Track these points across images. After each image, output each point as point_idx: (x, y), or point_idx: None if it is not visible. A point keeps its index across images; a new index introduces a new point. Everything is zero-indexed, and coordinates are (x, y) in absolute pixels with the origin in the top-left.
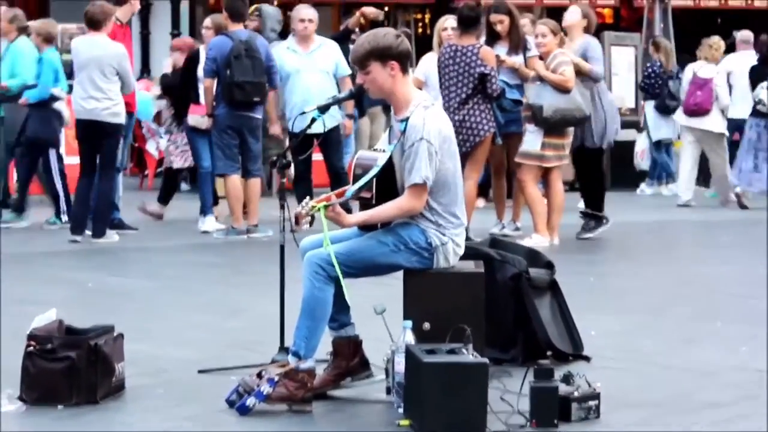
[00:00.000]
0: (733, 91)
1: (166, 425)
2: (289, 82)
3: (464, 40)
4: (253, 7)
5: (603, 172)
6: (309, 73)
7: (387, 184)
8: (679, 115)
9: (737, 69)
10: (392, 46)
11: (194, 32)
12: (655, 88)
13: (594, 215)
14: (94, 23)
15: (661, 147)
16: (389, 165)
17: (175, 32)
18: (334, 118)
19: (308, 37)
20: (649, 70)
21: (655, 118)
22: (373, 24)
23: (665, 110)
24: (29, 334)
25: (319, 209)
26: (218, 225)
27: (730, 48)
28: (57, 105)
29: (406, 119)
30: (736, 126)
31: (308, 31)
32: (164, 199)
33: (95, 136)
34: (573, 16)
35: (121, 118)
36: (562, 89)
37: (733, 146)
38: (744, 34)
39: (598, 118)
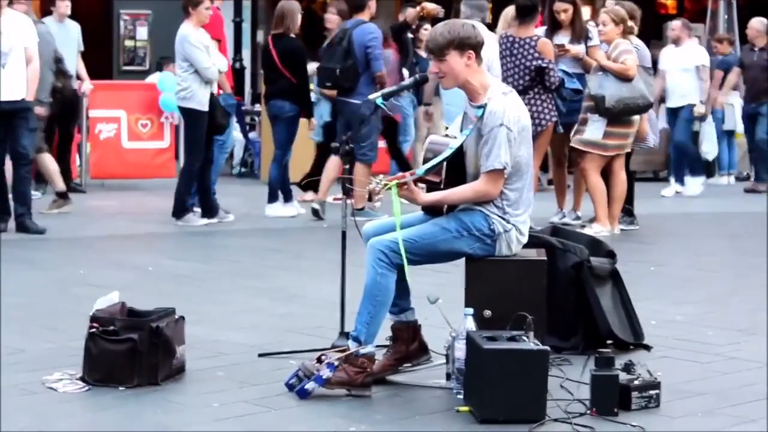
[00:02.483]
0: None
1: (226, 407)
2: None
3: (521, 31)
4: None
5: (632, 170)
6: None
7: (457, 170)
8: None
9: None
10: (471, 36)
11: (256, 21)
12: None
13: (628, 210)
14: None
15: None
16: (460, 151)
17: (237, 20)
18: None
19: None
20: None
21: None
22: (433, 20)
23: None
24: (92, 315)
25: (391, 187)
26: (286, 211)
27: None
28: None
29: (484, 105)
30: None
31: None
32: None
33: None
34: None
35: (192, 103)
36: (624, 78)
37: None
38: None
39: None
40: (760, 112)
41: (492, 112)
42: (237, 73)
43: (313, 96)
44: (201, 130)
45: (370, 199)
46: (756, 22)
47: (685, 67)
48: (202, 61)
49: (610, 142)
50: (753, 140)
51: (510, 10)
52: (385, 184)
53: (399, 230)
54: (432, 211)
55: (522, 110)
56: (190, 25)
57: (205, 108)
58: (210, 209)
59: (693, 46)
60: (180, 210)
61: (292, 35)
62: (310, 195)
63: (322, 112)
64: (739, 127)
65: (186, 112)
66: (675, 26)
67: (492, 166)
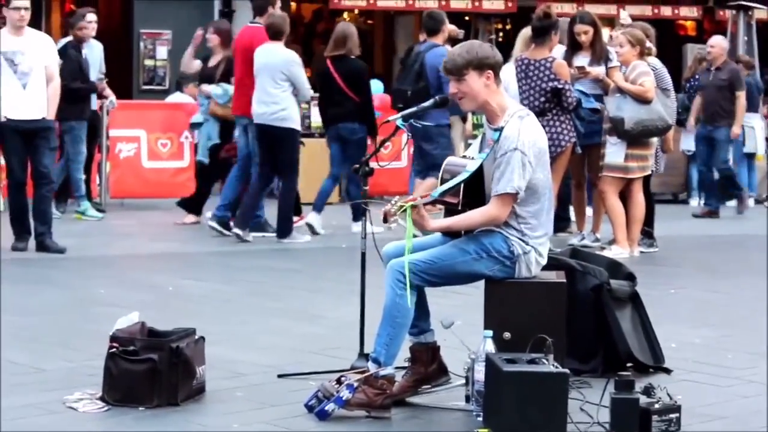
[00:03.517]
0: None
1: (246, 428)
2: None
3: (537, 53)
4: None
5: (651, 192)
6: None
7: (475, 192)
8: None
9: None
10: (489, 56)
11: None
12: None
13: (648, 232)
14: (273, 32)
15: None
16: (479, 173)
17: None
18: None
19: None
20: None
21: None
22: (453, 41)
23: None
24: (112, 335)
25: (406, 209)
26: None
27: None
28: None
29: (501, 129)
30: None
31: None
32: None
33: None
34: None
35: (291, 123)
36: (643, 100)
37: None
38: None
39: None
40: (715, 136)
41: (506, 136)
42: None
43: (200, 116)
44: (297, 148)
45: (385, 221)
46: (721, 40)
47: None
48: (307, 83)
49: (632, 164)
50: (705, 163)
51: (527, 32)
52: (401, 206)
53: (407, 253)
54: (450, 232)
55: (538, 133)
56: (282, 45)
57: (300, 128)
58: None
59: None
60: (285, 230)
61: (353, 56)
62: (191, 218)
63: (210, 132)
64: (760, 149)
65: (284, 132)
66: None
67: (503, 190)
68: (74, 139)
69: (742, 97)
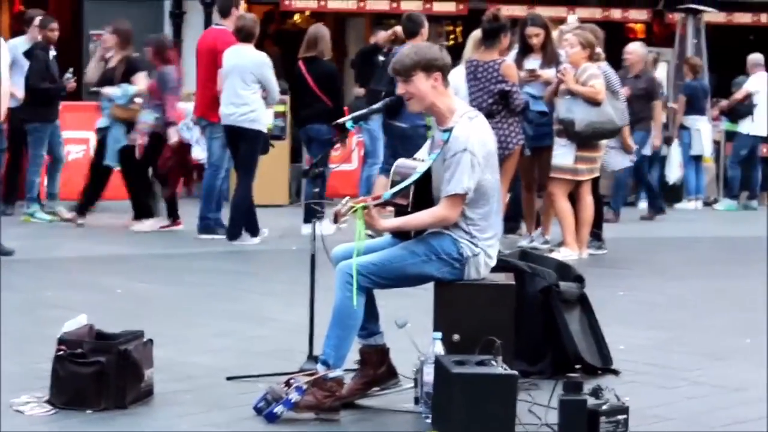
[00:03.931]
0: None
1: (195, 431)
2: None
3: (486, 55)
4: None
5: (600, 194)
6: None
7: (424, 194)
8: None
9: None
10: (437, 58)
11: None
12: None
13: (596, 234)
14: (244, 35)
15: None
16: (428, 174)
17: None
18: None
19: None
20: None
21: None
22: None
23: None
24: (59, 338)
25: (356, 210)
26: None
27: None
28: None
29: (450, 129)
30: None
31: None
32: None
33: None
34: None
35: (259, 125)
36: (593, 102)
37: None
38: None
39: None
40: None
41: (456, 137)
42: None
43: (106, 120)
44: (258, 151)
45: (335, 221)
46: (639, 47)
47: None
48: (276, 85)
49: (581, 167)
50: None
51: (477, 34)
52: (351, 206)
53: (355, 255)
54: (400, 234)
55: (487, 135)
56: (252, 47)
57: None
58: (255, 228)
59: None
60: (235, 232)
61: (326, 59)
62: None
63: (118, 136)
64: (707, 152)
65: (251, 134)
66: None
67: (453, 191)
68: (36, 141)
69: (658, 106)
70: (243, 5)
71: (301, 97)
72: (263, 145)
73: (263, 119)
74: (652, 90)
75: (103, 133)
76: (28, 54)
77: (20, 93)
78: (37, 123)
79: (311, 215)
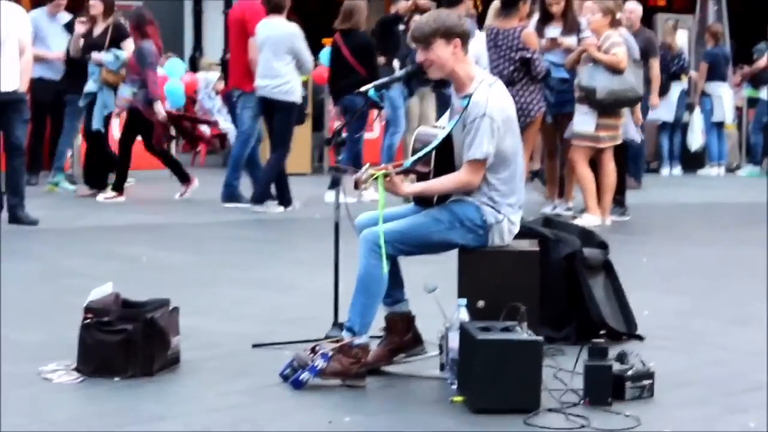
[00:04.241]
0: None
1: (221, 398)
2: None
3: (506, 23)
4: None
5: (623, 161)
6: None
7: (446, 160)
8: None
9: None
10: (456, 24)
11: None
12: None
13: (619, 201)
14: (273, 6)
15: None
16: (448, 141)
17: (228, 11)
18: None
19: None
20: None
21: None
22: (422, 12)
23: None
24: (86, 306)
25: (377, 177)
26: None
27: None
28: None
29: (469, 96)
30: None
31: None
32: None
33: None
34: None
35: (293, 96)
36: (615, 70)
37: None
38: None
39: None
40: None
41: (475, 102)
42: (225, 65)
43: (94, 86)
44: (294, 122)
45: (356, 187)
46: (637, 5)
47: None
48: (310, 56)
49: (602, 134)
50: None
51: (497, 3)
52: (372, 174)
53: (381, 223)
54: (422, 202)
55: (506, 100)
56: (284, 18)
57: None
58: (287, 199)
59: None
60: (261, 198)
61: (361, 30)
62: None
63: (106, 101)
64: (728, 119)
65: (285, 105)
66: None
67: (473, 156)
68: (73, 112)
69: (656, 64)
70: None
71: (337, 69)
72: (298, 116)
73: (297, 90)
74: (650, 49)
75: (89, 98)
76: (68, 26)
77: (53, 54)
78: (76, 94)
79: (336, 183)
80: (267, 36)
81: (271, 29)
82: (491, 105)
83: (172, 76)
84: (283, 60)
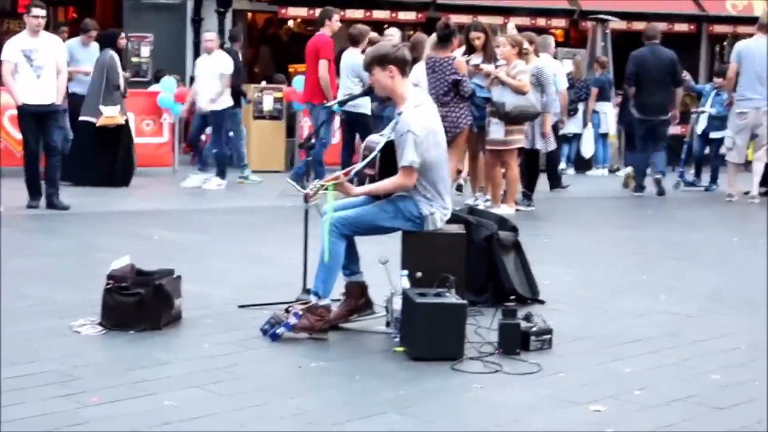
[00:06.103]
0: None
1: (215, 347)
2: None
3: (441, 53)
4: None
5: (538, 166)
6: None
7: (389, 164)
8: None
9: None
10: (389, 53)
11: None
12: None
13: (528, 195)
14: (351, 40)
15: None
16: (391, 148)
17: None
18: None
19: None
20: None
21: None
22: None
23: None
24: (108, 274)
25: (327, 188)
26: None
27: None
28: None
29: (400, 113)
30: None
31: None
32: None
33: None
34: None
35: (363, 109)
36: (520, 92)
37: None
38: None
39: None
40: None
41: (403, 120)
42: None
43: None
44: (371, 128)
45: (306, 201)
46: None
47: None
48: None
49: (509, 138)
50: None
51: (433, 37)
52: (321, 185)
53: (329, 220)
54: (373, 197)
55: (429, 119)
56: (359, 51)
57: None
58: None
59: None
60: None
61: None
62: None
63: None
64: (612, 130)
65: (360, 117)
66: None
67: (402, 163)
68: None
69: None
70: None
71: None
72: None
73: (366, 105)
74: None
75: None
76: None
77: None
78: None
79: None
80: (344, 64)
81: (347, 58)
82: (414, 123)
83: (165, 90)
84: (353, 81)
